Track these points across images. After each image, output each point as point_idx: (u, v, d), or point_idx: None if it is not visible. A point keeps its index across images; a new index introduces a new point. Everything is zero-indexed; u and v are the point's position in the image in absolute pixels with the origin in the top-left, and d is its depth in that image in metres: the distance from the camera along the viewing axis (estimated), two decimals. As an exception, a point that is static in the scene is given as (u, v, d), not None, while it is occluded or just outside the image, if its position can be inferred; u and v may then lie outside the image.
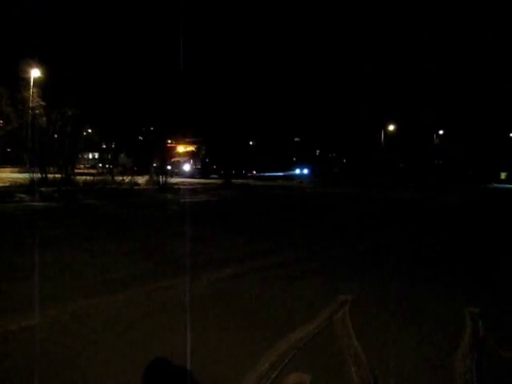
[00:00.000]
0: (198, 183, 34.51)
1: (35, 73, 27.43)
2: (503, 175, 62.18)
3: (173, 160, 46.60)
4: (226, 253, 8.61)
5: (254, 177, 50.32)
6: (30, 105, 26.04)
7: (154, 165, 31.24)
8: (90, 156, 54.04)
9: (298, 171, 56.21)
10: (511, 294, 6.55)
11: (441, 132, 64.38)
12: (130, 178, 26.30)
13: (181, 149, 53.91)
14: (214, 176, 45.38)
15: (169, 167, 43.60)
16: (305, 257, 8.54)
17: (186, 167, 47.69)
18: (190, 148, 54.82)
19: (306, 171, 55.81)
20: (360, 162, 60.90)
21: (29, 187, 20.18)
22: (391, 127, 59.30)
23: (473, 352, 4.23)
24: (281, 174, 51.82)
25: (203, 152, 55.32)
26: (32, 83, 26.92)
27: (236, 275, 6.89)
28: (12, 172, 30.09)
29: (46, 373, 3.61)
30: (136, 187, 25.59)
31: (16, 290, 5.75)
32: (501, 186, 51.85)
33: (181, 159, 50.69)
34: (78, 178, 25.47)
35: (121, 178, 26.16)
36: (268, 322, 4.89)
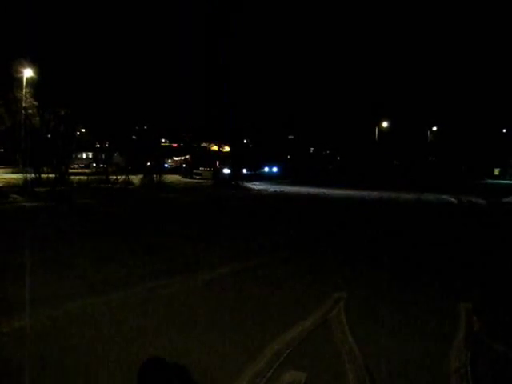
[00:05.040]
0: (190, 182, 34.48)
1: (28, 73, 27.28)
2: (496, 171, 62.47)
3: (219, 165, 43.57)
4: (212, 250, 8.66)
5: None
6: (23, 105, 25.91)
7: (148, 164, 31.16)
8: (84, 156, 53.83)
9: (266, 169, 55.10)
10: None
11: (434, 128, 64.56)
12: (124, 177, 26.22)
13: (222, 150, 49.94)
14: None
15: (227, 170, 41.89)
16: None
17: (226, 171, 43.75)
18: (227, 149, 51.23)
19: (275, 170, 54.66)
20: (354, 159, 60.98)
21: (22, 187, 20.06)
22: (385, 124, 59.37)
23: (467, 346, 4.27)
24: (248, 172, 50.44)
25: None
26: (25, 83, 26.78)
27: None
28: (5, 172, 29.90)
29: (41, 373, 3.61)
30: (130, 186, 25.52)
31: (5, 290, 5.73)
32: (494, 181, 52.09)
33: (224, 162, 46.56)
34: (72, 177, 25.34)
35: (115, 177, 26.08)
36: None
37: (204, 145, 50.09)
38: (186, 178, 40.10)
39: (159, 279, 6.46)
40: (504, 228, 14.47)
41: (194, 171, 42.45)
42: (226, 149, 51.38)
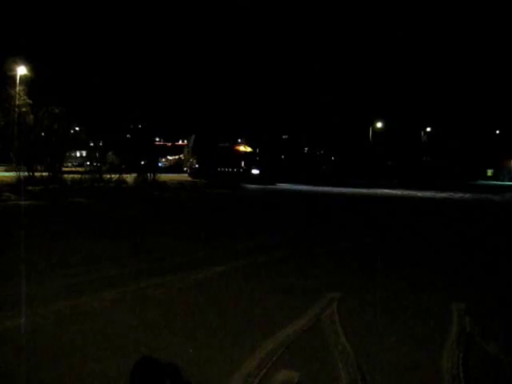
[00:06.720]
0: (185, 181, 34.42)
1: (21, 70, 27.16)
2: (489, 172, 62.77)
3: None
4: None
5: None
6: (17, 103, 25.77)
7: (142, 163, 31.12)
8: (78, 154, 53.60)
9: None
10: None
11: (428, 129, 64.76)
12: (117, 176, 26.18)
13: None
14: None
15: (256, 171, 40.73)
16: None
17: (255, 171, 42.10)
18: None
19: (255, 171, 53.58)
20: (348, 159, 61.10)
21: (16, 186, 19.97)
22: (379, 124, 59.52)
23: (459, 346, 4.29)
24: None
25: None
26: (18, 81, 26.66)
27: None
28: (-2, 171, 29.77)
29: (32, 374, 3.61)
30: (124, 185, 25.49)
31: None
32: (487, 182, 52.35)
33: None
34: (65, 176, 25.27)
35: (109, 176, 26.04)
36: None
37: (224, 144, 48.06)
38: (196, 178, 37.81)
39: (151, 278, 6.46)
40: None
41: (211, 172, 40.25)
42: (247, 149, 49.99)
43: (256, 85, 60.74)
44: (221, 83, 60.56)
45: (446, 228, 14.05)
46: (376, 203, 23.48)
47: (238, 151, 46.20)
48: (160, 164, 50.63)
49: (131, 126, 36.39)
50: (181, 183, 30.55)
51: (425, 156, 64.74)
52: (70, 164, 40.81)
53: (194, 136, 52.49)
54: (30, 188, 19.84)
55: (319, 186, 34.98)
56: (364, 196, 27.11)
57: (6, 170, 27.03)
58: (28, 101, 26.06)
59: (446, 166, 58.68)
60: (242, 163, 42.72)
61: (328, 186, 34.66)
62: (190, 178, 38.81)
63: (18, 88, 26.27)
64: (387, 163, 61.73)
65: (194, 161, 47.20)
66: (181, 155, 67.08)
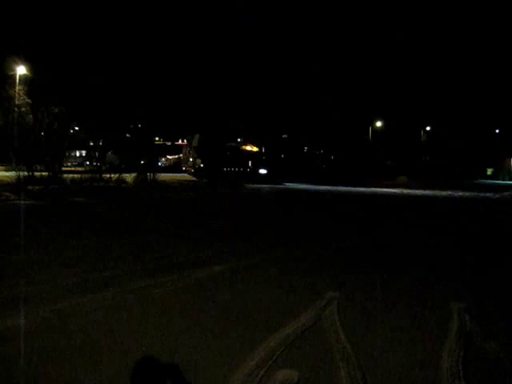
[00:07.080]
0: (185, 180, 34.45)
1: (21, 70, 27.13)
2: (489, 171, 62.68)
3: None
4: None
5: None
6: (16, 102, 25.74)
7: (142, 162, 31.16)
8: (78, 154, 53.61)
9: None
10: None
11: (428, 128, 64.71)
12: (117, 175, 26.21)
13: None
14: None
15: (263, 171, 40.65)
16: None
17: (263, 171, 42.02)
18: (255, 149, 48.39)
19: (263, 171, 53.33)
20: (348, 158, 61.06)
21: (15, 185, 20.00)
22: (379, 123, 59.45)
23: (459, 345, 4.29)
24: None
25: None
26: (18, 81, 26.62)
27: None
28: (-2, 170, 29.73)
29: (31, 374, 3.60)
30: (123, 185, 25.53)
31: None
32: (487, 181, 52.36)
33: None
34: (65, 175, 25.31)
35: (108, 175, 26.07)
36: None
37: (231, 144, 47.49)
38: (201, 178, 37.11)
39: (151, 278, 6.46)
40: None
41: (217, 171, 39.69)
42: (254, 149, 49.55)
43: (256, 84, 60.68)
44: (222, 83, 60.49)
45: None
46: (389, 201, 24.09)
47: (245, 151, 45.99)
48: (160, 163, 50.69)
49: (131, 126, 36.39)
50: (181, 183, 30.61)
51: (424, 155, 64.71)
52: (69, 164, 40.86)
53: (197, 135, 52.12)
54: (29, 188, 19.87)
55: (321, 185, 35.22)
56: (372, 195, 27.34)
57: (5, 170, 27.04)
58: (27, 100, 26.02)
59: (446, 165, 58.59)
60: (250, 163, 42.59)
61: (330, 185, 34.87)
62: (191, 178, 38.70)
63: (17, 88, 26.23)
64: (387, 163, 61.71)
65: (199, 160, 46.97)
66: (180, 155, 66.96)
